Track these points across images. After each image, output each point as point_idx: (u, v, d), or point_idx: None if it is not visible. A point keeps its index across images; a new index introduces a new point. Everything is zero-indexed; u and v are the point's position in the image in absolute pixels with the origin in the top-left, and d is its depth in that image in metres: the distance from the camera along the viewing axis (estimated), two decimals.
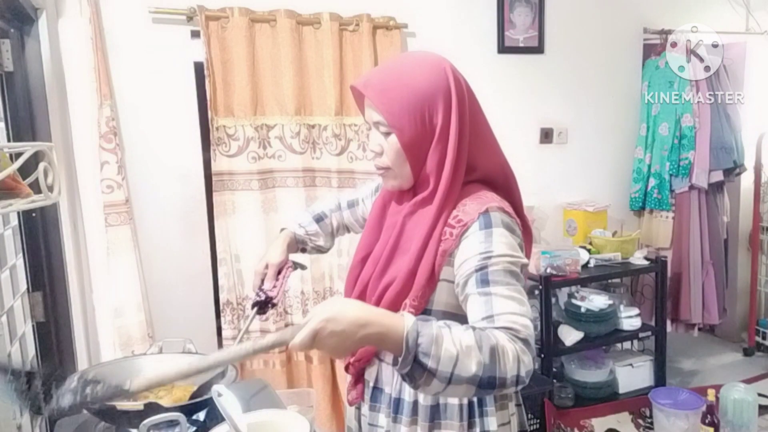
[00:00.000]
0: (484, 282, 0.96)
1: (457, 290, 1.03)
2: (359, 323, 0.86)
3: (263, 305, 1.29)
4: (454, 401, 1.10)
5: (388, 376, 1.15)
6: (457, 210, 1.05)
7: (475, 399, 1.11)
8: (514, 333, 0.92)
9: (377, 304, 1.08)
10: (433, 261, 1.05)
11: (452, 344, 0.86)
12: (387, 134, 1.06)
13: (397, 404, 1.13)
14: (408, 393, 1.11)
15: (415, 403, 1.11)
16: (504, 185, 1.13)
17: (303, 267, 1.41)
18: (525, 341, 0.92)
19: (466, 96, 1.08)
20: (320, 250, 1.45)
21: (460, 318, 0.99)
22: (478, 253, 0.99)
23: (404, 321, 0.87)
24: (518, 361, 0.90)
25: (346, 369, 1.22)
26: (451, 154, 1.04)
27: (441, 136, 1.04)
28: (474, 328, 0.91)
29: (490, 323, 0.93)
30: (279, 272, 1.32)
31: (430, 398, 1.10)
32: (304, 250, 1.42)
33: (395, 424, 1.13)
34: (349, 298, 1.08)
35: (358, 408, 1.23)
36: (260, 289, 1.31)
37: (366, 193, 1.41)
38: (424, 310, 1.05)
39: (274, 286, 1.30)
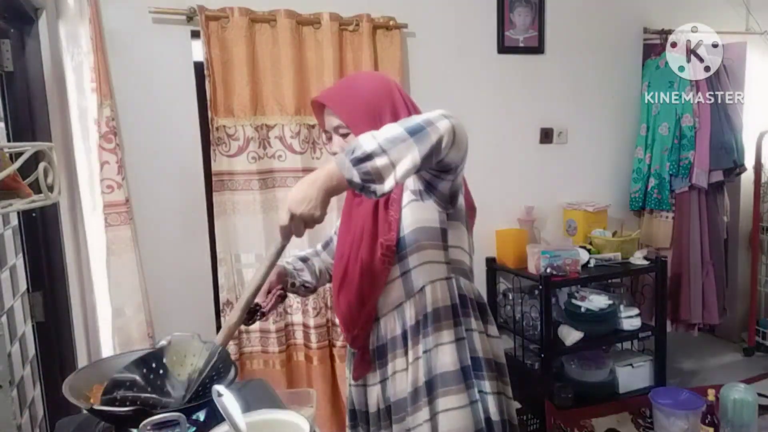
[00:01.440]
0: None
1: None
2: (309, 182, 1.01)
3: (252, 313, 1.32)
4: (442, 304, 1.25)
5: (386, 326, 1.30)
6: None
7: (458, 303, 1.26)
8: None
9: (362, 265, 1.26)
10: (387, 198, 1.22)
11: (377, 132, 1.01)
12: (345, 135, 1.25)
13: (403, 338, 1.27)
14: (409, 317, 1.26)
15: (414, 324, 1.26)
16: None
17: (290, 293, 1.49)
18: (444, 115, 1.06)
19: (407, 100, 1.28)
20: (307, 286, 1.52)
21: (430, 230, 1.23)
22: None
23: (336, 157, 1.04)
24: (435, 113, 1.04)
25: (351, 344, 1.34)
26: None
27: None
28: None
29: None
30: (269, 291, 1.38)
31: (429, 304, 1.25)
32: (293, 285, 1.47)
33: (403, 358, 1.27)
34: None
35: (363, 385, 1.35)
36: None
37: (336, 229, 1.52)
38: (399, 240, 1.23)
39: (264, 301, 1.36)
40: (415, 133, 1.00)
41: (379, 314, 1.30)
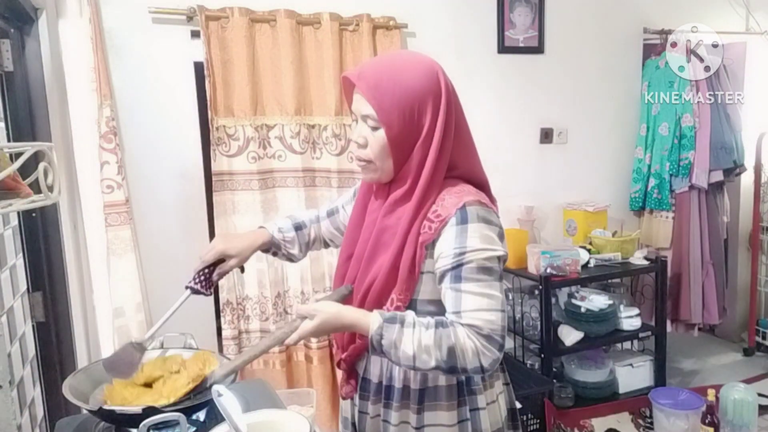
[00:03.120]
0: (457, 278, 1.05)
1: (438, 285, 1.10)
2: (338, 328, 1.10)
3: (195, 292, 1.28)
4: (442, 383, 1.17)
5: (376, 367, 1.21)
6: (437, 205, 1.10)
7: (463, 379, 1.18)
8: (477, 330, 1.02)
9: (363, 299, 1.16)
10: (413, 254, 1.10)
11: (410, 345, 1.01)
12: (375, 128, 1.10)
13: (388, 391, 1.20)
14: (398, 380, 1.18)
15: (405, 388, 1.18)
16: (478, 185, 1.17)
17: (242, 270, 1.39)
18: (488, 337, 1.02)
19: (453, 100, 1.12)
20: (291, 258, 1.42)
21: (443, 307, 1.09)
22: (453, 249, 1.06)
23: (371, 323, 1.03)
24: (478, 354, 1.02)
25: (338, 365, 1.27)
26: (434, 154, 1.09)
27: (427, 136, 1.09)
28: (437, 327, 1.03)
29: (458, 318, 1.04)
30: (216, 264, 1.29)
31: (419, 382, 1.17)
32: (275, 254, 1.40)
33: (386, 409, 1.20)
34: (329, 303, 1.11)
35: (352, 400, 1.28)
36: (201, 274, 1.28)
37: (346, 200, 1.42)
38: (410, 301, 1.13)
39: (210, 280, 1.28)
40: (450, 373, 1.04)
41: (369, 349, 1.21)
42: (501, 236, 1.11)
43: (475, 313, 1.03)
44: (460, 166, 1.14)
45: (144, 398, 1.13)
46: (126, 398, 1.13)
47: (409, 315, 1.05)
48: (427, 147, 1.09)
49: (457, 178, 1.14)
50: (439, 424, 1.16)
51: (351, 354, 1.22)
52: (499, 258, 1.08)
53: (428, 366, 1.02)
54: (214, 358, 1.22)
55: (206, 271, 1.28)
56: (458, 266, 1.05)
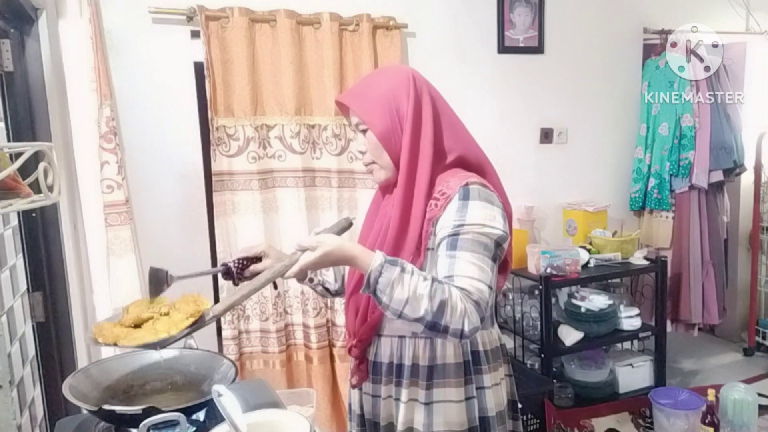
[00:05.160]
0: (453, 246, 1.10)
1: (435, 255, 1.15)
2: (338, 260, 1.11)
3: (225, 273, 1.31)
4: (450, 361, 1.22)
5: (387, 349, 1.26)
6: (441, 185, 1.18)
7: (470, 358, 1.24)
8: (467, 294, 1.06)
9: None
10: (420, 230, 1.17)
11: (406, 290, 1.03)
12: (365, 131, 1.23)
13: (398, 370, 1.25)
14: (407, 357, 1.23)
15: (414, 365, 1.23)
16: (477, 167, 1.25)
17: (275, 285, 1.43)
18: (476, 303, 1.06)
19: (426, 90, 1.23)
20: (327, 288, 1.45)
21: None
22: (453, 221, 1.12)
23: (372, 260, 1.05)
24: (464, 317, 1.04)
25: (349, 351, 1.31)
26: (407, 140, 1.18)
27: (408, 125, 1.19)
28: (434, 280, 1.06)
29: (450, 281, 1.07)
30: (254, 261, 1.32)
31: (428, 359, 1.22)
32: (311, 280, 1.41)
33: (397, 387, 1.24)
34: (331, 235, 1.16)
35: (360, 389, 1.32)
36: (239, 263, 1.31)
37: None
38: None
39: (242, 273, 1.31)
40: (430, 328, 1.05)
41: (382, 332, 1.26)
42: (504, 217, 1.16)
43: (466, 279, 1.07)
44: (454, 149, 1.22)
45: (137, 334, 1.10)
46: (118, 335, 1.10)
47: (408, 264, 1.08)
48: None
49: (457, 165, 1.22)
50: (448, 400, 1.21)
51: (362, 338, 1.27)
52: (497, 239, 1.12)
53: (414, 315, 1.03)
54: (204, 298, 1.21)
55: (244, 262, 1.32)
56: (455, 235, 1.10)
